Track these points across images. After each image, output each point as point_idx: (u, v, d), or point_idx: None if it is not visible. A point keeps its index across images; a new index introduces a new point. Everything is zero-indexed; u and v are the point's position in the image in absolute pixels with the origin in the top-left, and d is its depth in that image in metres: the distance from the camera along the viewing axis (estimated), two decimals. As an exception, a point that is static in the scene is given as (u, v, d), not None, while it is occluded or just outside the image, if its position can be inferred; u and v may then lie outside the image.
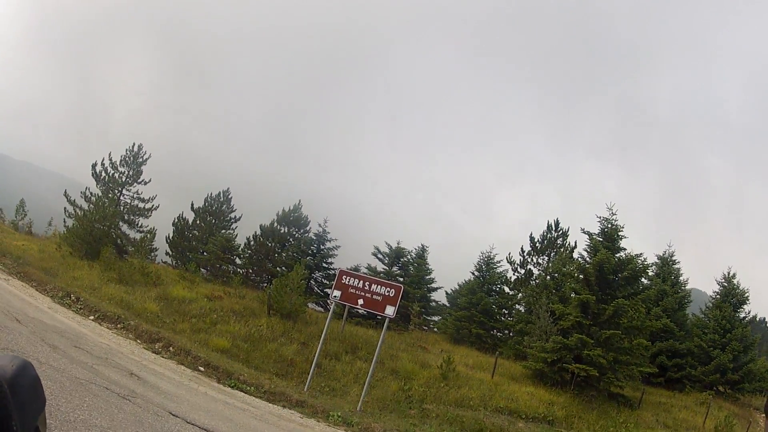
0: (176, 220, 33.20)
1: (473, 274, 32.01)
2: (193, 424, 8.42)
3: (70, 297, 16.52)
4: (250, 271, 32.20)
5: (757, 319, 29.10)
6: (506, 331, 27.39)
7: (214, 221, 33.26)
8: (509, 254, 32.70)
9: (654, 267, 25.07)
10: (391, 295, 14.55)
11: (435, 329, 31.61)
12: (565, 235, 31.11)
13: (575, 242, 30.68)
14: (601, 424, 17.03)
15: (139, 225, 25.98)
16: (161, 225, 28.17)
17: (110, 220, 24.01)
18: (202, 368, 13.68)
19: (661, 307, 22.34)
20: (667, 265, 25.04)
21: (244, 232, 33.27)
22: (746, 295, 23.15)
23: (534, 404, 16.97)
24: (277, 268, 31.01)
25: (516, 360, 23.58)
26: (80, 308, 15.92)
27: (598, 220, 21.83)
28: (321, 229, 33.09)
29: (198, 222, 33.29)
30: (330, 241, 33.20)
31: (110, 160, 26.21)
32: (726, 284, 23.53)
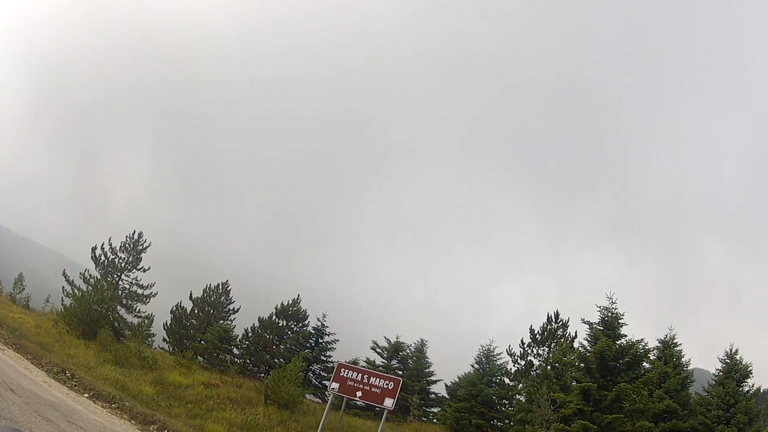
0: (174, 309, 33.32)
1: (473, 366, 31.53)
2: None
3: (65, 373, 16.35)
4: (248, 361, 31.82)
5: (761, 390, 28.32)
6: (507, 421, 26.60)
7: (212, 311, 33.33)
8: (509, 346, 32.36)
9: (655, 351, 24.89)
10: (389, 388, 14.75)
11: (434, 420, 30.66)
12: (565, 325, 30.97)
13: (575, 332, 30.49)
14: None
15: (137, 310, 26.12)
16: (159, 311, 28.22)
17: (108, 303, 24.21)
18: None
19: (663, 389, 21.92)
20: (668, 348, 24.86)
21: (242, 322, 33.22)
22: (749, 369, 22.80)
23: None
24: (275, 360, 30.71)
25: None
26: (75, 385, 15.72)
27: (598, 309, 22.17)
28: (320, 323, 33.01)
29: (196, 311, 33.33)
30: (329, 335, 33.03)
31: (110, 245, 26.84)
32: (728, 360, 23.21)
